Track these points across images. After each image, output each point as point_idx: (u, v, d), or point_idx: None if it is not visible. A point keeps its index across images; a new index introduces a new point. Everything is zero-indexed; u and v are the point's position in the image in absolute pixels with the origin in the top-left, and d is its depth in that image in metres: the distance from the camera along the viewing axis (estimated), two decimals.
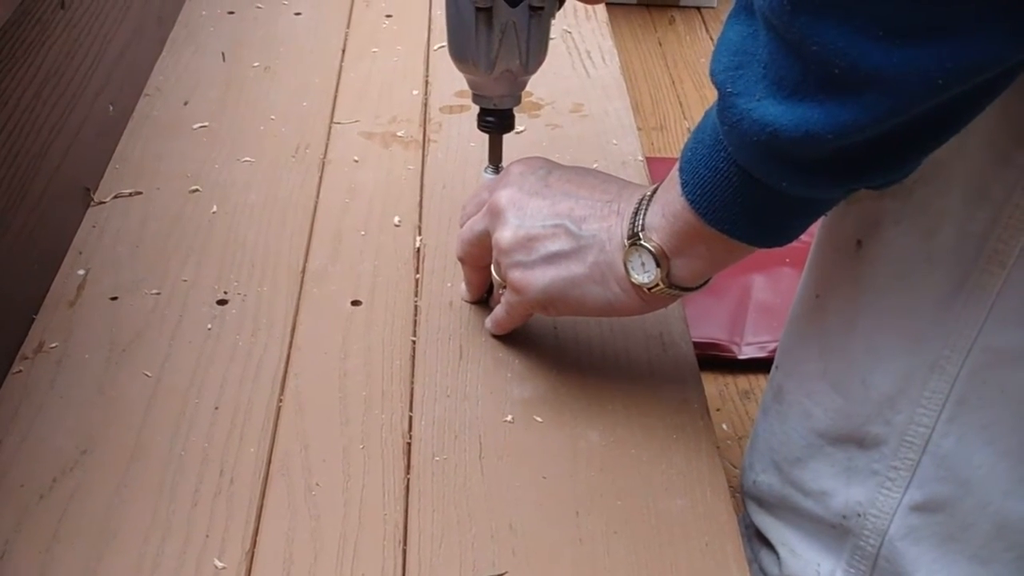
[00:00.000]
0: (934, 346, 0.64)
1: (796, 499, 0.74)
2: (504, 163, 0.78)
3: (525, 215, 0.68)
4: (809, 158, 0.53)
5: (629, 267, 0.65)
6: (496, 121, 0.77)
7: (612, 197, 0.67)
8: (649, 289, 0.64)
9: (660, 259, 0.63)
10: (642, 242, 0.63)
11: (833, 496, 0.72)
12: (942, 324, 0.63)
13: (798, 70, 0.50)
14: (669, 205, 0.62)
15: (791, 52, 0.50)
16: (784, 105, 0.51)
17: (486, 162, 0.80)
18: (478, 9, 0.69)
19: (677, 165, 0.61)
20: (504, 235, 0.69)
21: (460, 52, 0.73)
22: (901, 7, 0.46)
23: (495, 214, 0.70)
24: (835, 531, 0.72)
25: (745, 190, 0.57)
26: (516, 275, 0.69)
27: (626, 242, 0.64)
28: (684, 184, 0.60)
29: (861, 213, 0.66)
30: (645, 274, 0.64)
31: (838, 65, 0.48)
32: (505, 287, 0.72)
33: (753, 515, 0.80)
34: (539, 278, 0.68)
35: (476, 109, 0.78)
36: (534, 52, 0.72)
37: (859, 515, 0.70)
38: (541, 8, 0.70)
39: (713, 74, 0.56)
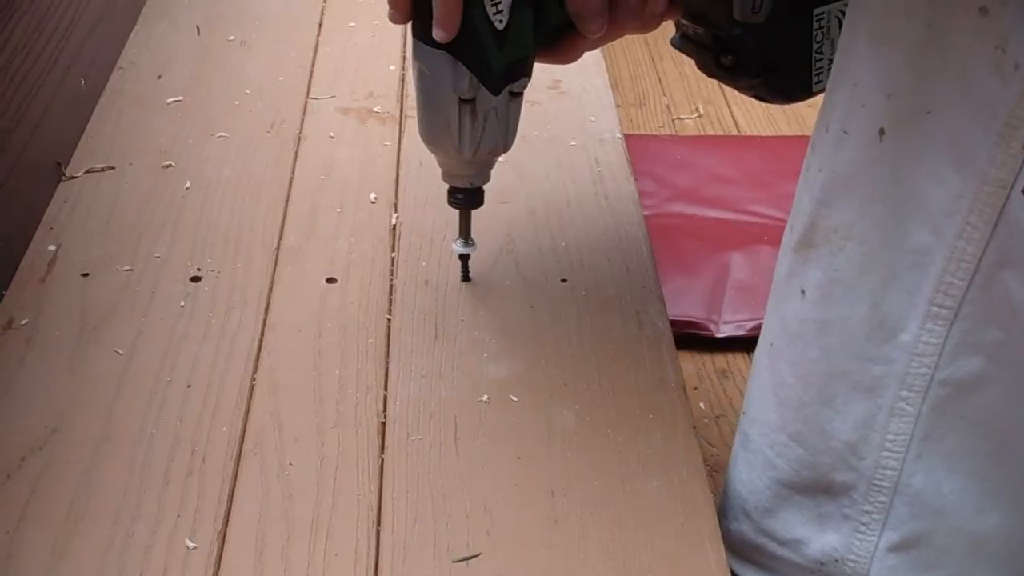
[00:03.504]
0: (891, 390, 0.64)
1: (771, 548, 0.73)
2: (474, 235, 0.77)
3: None
4: None
5: None
6: (466, 199, 0.76)
7: None
8: None
9: None
10: None
11: (808, 544, 0.70)
12: (896, 366, 0.63)
13: None
14: None
15: None
16: None
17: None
18: (463, 101, 0.69)
19: None
20: None
21: (438, 139, 0.71)
22: None
23: None
24: None
25: None
26: None
27: None
28: None
29: (805, 267, 0.65)
30: None
31: None
32: None
33: (732, 566, 0.78)
34: None
35: None
36: (511, 132, 0.72)
37: (836, 561, 0.69)
38: (520, 92, 0.70)
39: None
